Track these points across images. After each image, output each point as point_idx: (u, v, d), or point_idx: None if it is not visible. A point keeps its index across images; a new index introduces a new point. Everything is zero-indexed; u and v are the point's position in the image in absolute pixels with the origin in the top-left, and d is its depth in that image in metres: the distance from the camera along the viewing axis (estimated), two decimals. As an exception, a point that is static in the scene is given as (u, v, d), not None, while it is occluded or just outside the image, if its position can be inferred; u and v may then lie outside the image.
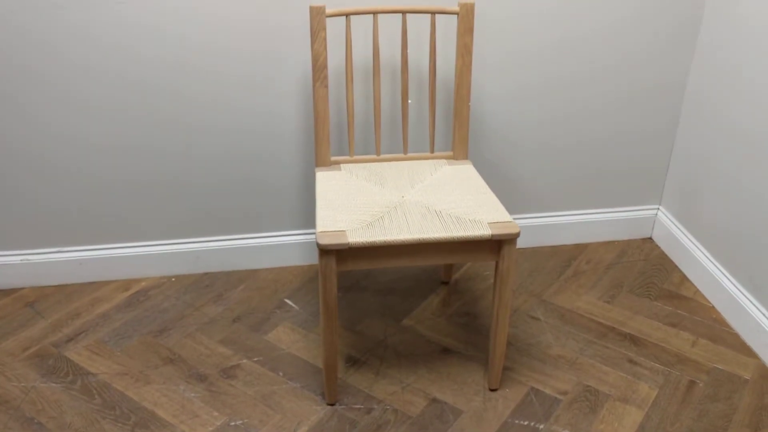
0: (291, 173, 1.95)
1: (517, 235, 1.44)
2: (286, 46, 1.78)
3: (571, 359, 1.73)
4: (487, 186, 1.62)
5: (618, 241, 2.23)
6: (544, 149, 2.04)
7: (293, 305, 1.92)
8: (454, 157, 1.77)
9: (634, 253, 2.17)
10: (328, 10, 1.60)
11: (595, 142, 2.06)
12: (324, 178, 1.66)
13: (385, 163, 1.74)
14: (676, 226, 2.12)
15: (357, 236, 1.41)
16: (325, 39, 1.60)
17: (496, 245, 1.47)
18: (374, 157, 1.75)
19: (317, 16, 1.58)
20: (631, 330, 1.83)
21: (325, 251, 1.40)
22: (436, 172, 1.70)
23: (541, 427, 1.54)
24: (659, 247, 2.20)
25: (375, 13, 1.63)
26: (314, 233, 2.04)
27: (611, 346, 1.77)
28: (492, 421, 1.55)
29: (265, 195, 1.97)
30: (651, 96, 2.01)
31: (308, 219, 2.03)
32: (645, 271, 2.08)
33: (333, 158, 1.74)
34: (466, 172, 1.69)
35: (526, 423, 1.55)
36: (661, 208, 2.20)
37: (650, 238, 2.25)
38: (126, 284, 2.00)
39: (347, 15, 1.62)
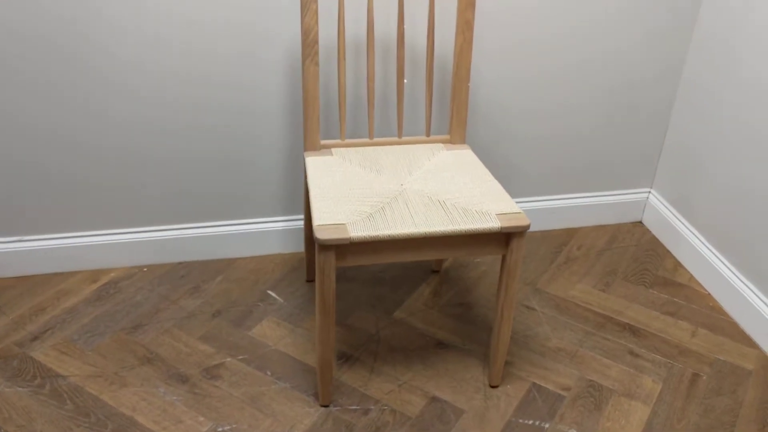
0: (273, 156, 1.82)
1: (527, 227, 1.36)
2: (271, 19, 1.64)
3: (571, 352, 1.67)
4: (489, 173, 1.53)
5: (608, 225, 2.17)
6: (535, 133, 1.95)
7: (277, 297, 1.80)
8: (451, 141, 1.66)
9: (625, 237, 2.12)
10: (321, -19, 1.47)
11: (587, 126, 1.98)
12: (315, 165, 1.54)
13: (378, 148, 1.63)
14: (668, 209, 2.06)
15: (358, 230, 1.30)
16: (316, 12, 1.47)
17: (503, 238, 1.38)
18: (367, 140, 1.64)
19: (309, -12, 1.45)
20: (629, 320, 1.78)
21: (324, 247, 1.29)
22: (434, 157, 1.60)
23: (547, 426, 1.47)
24: (650, 231, 2.15)
25: (370, -15, 1.51)
26: (297, 220, 1.93)
27: (611, 338, 1.72)
28: (495, 421, 1.48)
29: (245, 179, 1.84)
30: (646, 81, 1.93)
31: (290, 205, 1.91)
32: (638, 257, 2.02)
33: (322, 142, 1.62)
34: (465, 157, 1.59)
35: (530, 422, 1.48)
36: (652, 191, 2.14)
37: (640, 222, 2.19)
38: (94, 275, 1.85)
39: (340, -13, 1.49)
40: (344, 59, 1.54)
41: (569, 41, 1.83)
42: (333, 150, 1.61)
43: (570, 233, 2.12)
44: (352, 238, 1.29)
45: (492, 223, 1.34)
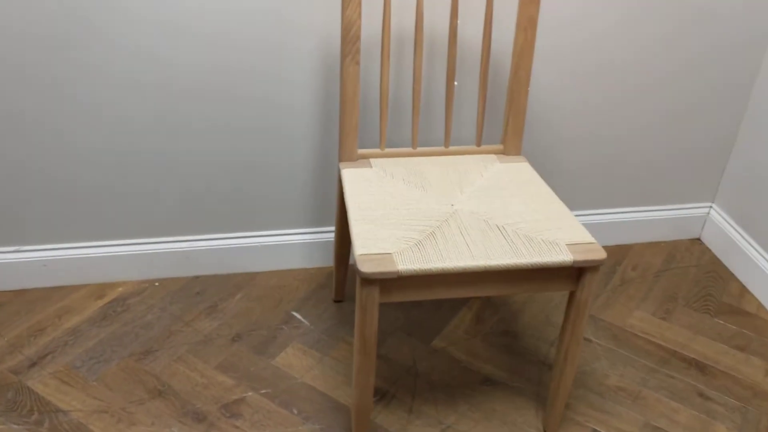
0: (299, 161, 1.63)
1: (603, 261, 1.16)
2: (301, 3, 1.44)
3: (634, 392, 1.48)
4: (552, 192, 1.34)
5: (664, 243, 1.98)
6: (586, 141, 1.75)
7: (302, 320, 1.62)
8: (505, 152, 1.47)
9: (684, 256, 1.92)
10: (366, -32, 1.27)
11: (645, 135, 1.78)
12: (353, 179, 1.35)
13: (423, 159, 1.44)
14: (732, 226, 1.87)
15: (407, 261, 1.11)
16: (359, 4, 1.27)
17: (574, 273, 1.19)
18: (409, 150, 1.45)
19: (352, -25, 1.25)
20: (695, 354, 1.59)
21: (367, 281, 1.11)
22: (487, 171, 1.40)
23: (612, 484, 1.29)
24: (710, 250, 1.95)
25: (421, -27, 1.31)
26: (324, 232, 1.74)
27: (676, 376, 1.53)
28: (553, 477, 1.29)
29: (267, 186, 1.65)
30: (713, 93, 1.73)
31: (316, 215, 1.72)
32: (699, 280, 1.83)
33: (360, 151, 1.43)
34: (522, 172, 1.40)
35: (593, 479, 1.30)
36: (714, 206, 1.95)
37: (699, 239, 2.00)
38: (100, 290, 1.67)
39: (387, -26, 1.29)
40: (389, 57, 1.34)
41: (635, 51, 1.63)
42: (371, 161, 1.42)
43: (623, 251, 1.93)
44: (401, 271, 1.10)
45: (563, 256, 1.15)
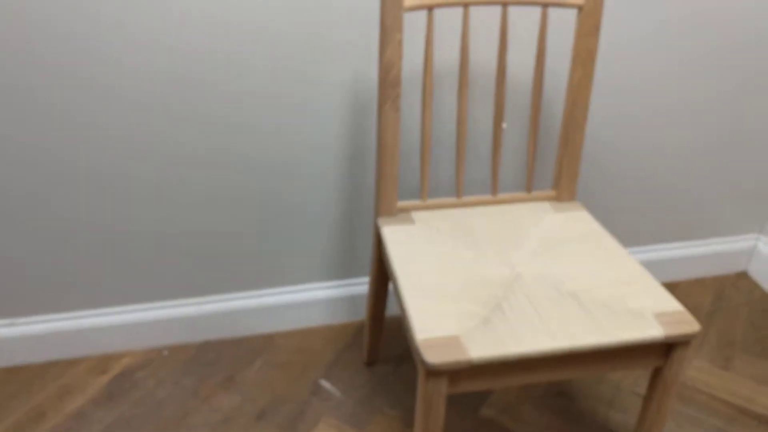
0: (319, 207, 1.47)
1: (697, 334, 1.01)
2: (332, 26, 1.28)
3: (708, 460, 1.33)
4: (620, 245, 1.18)
5: (708, 278, 1.84)
6: (629, 175, 1.61)
7: (332, 390, 1.45)
8: (558, 198, 1.32)
9: (733, 294, 1.78)
10: (407, 2, 1.11)
11: (689, 167, 1.64)
12: (396, 239, 1.18)
13: (468, 210, 1.28)
14: (783, 261, 1.74)
15: (479, 346, 0.95)
16: (401, 44, 1.11)
17: (663, 347, 1.04)
18: (453, 200, 1.29)
19: (392, 11, 1.09)
20: (763, 409, 1.45)
21: (434, 372, 0.94)
22: (542, 222, 1.25)
23: None
24: (760, 286, 1.81)
25: (467, 5, 1.15)
26: (347, 285, 1.57)
27: (750, 437, 1.39)
28: None
29: (284, 236, 1.48)
30: (759, 118, 1.60)
31: (339, 266, 1.55)
32: (753, 321, 1.69)
33: (399, 203, 1.27)
34: (582, 222, 1.25)
35: None
36: (761, 236, 1.81)
37: (745, 273, 1.86)
38: (102, 363, 1.49)
39: (430, 8, 1.14)
40: (431, 99, 1.18)
41: (680, 78, 1.49)
42: (413, 214, 1.26)
43: (670, 289, 1.78)
44: (473, 360, 0.94)
45: (653, 331, 1.00)
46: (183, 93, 1.26)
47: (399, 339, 1.59)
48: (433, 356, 0.94)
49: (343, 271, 1.56)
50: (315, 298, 1.57)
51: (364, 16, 1.27)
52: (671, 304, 1.05)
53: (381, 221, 1.23)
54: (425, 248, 1.16)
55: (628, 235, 1.71)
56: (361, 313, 1.62)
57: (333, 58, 1.30)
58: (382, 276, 1.33)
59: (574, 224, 1.24)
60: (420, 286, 1.07)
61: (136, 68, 1.22)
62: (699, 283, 1.82)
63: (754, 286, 1.82)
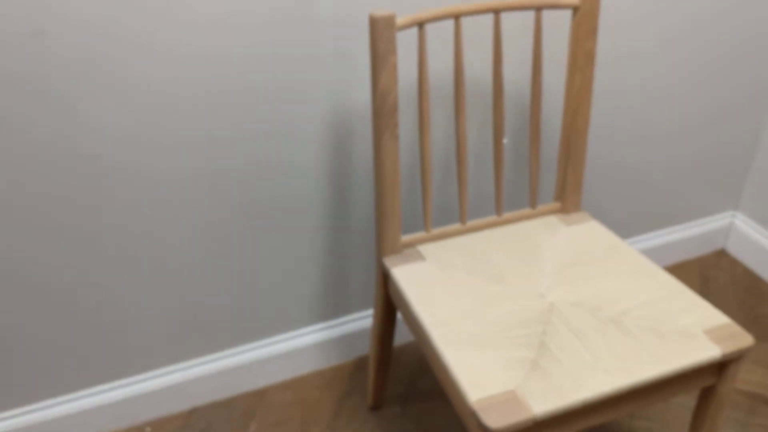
0: (301, 245, 1.34)
1: (752, 348, 0.95)
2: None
3: (740, 458, 1.30)
4: (643, 256, 1.12)
5: (690, 261, 1.82)
6: (604, 166, 1.56)
7: (342, 443, 1.33)
8: (564, 210, 1.24)
9: (717, 275, 1.77)
10: (400, 21, 1.00)
11: (662, 145, 1.60)
12: (411, 281, 1.07)
13: (476, 235, 1.18)
14: (759, 232, 1.73)
15: (539, 399, 0.86)
16: (395, 67, 1.00)
17: (717, 365, 0.97)
18: (458, 227, 1.19)
19: (385, 33, 0.97)
20: (779, 394, 1.43)
21: (497, 437, 0.84)
22: (555, 239, 1.17)
23: None
24: (740, 262, 1.81)
25: (458, 15, 1.05)
26: (336, 326, 1.45)
27: (772, 425, 1.36)
28: None
29: (267, 280, 1.34)
30: (733, 95, 1.57)
31: (327, 306, 1.43)
32: (743, 301, 1.68)
33: (403, 238, 1.15)
34: (597, 234, 1.17)
35: None
36: (737, 213, 1.80)
37: (723, 250, 1.85)
38: (77, 453, 1.31)
39: (421, 24, 1.03)
40: (428, 123, 1.07)
41: (646, 58, 1.44)
42: (419, 249, 1.15)
43: (656, 280, 1.75)
44: (537, 416, 0.84)
45: (709, 351, 0.93)
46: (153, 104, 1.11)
47: (399, 374, 1.48)
48: (494, 419, 0.83)
49: (332, 310, 1.44)
50: (305, 344, 1.44)
51: (341, 32, 1.15)
52: (717, 317, 0.99)
53: (388, 261, 1.12)
54: (446, 289, 1.05)
55: (612, 229, 1.66)
56: (354, 352, 1.50)
57: (313, 79, 1.17)
58: (389, 317, 1.22)
59: (589, 238, 1.17)
60: (455, 336, 0.96)
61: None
62: (682, 268, 1.79)
63: (735, 262, 1.81)
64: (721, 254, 1.84)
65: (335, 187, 1.29)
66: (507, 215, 1.21)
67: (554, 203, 1.24)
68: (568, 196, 1.22)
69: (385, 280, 1.15)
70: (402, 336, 1.54)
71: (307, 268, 1.36)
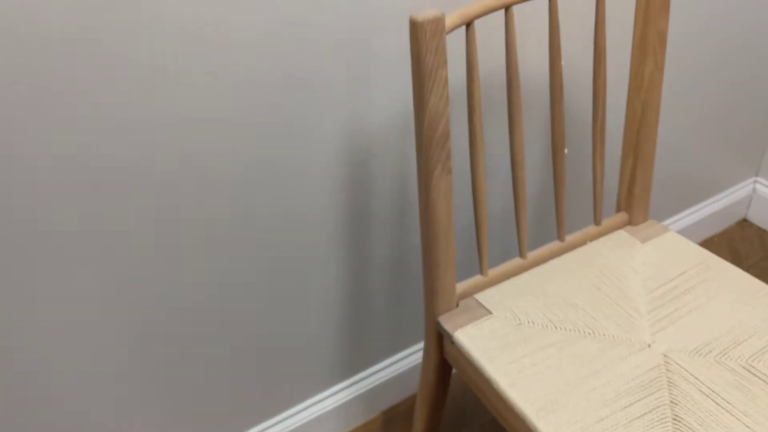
0: (313, 297, 1.09)
1: None
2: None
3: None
4: (743, 271, 0.93)
5: (716, 236, 1.66)
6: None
7: None
8: (632, 222, 1.03)
9: (749, 249, 1.62)
10: (449, 21, 0.75)
11: (682, 129, 1.42)
12: (482, 347, 0.85)
13: (540, 270, 0.97)
14: (788, 200, 1.59)
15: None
16: (446, 83, 0.75)
17: None
18: (518, 262, 0.96)
19: (434, 40, 0.72)
20: None
21: None
22: (634, 260, 0.96)
23: None
24: (765, 230, 1.67)
25: (509, 6, 0.81)
26: (358, 381, 1.22)
27: None
28: None
29: (275, 354, 1.10)
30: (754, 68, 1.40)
31: (347, 362, 1.19)
32: (784, 274, 1.54)
33: (457, 287, 0.93)
34: (679, 248, 0.98)
35: None
36: (758, 179, 1.65)
37: (745, 220, 1.71)
38: None
39: (469, 23, 0.78)
40: (482, 144, 0.84)
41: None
42: (478, 298, 0.92)
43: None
44: None
45: None
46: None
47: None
48: None
49: (350, 367, 1.21)
50: (323, 411, 1.20)
51: (353, 49, 0.89)
52: None
53: (445, 321, 0.89)
54: (532, 355, 0.83)
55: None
56: (377, 408, 1.28)
57: (322, 104, 0.91)
58: (444, 381, 0.99)
59: (672, 255, 0.97)
60: (564, 424, 0.75)
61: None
62: (709, 245, 1.64)
63: (762, 232, 1.67)
64: (744, 224, 1.70)
65: (349, 224, 1.04)
66: (569, 237, 1.00)
67: (619, 215, 1.03)
68: (636, 205, 1.02)
69: (439, 341, 0.93)
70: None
71: (321, 322, 1.12)
